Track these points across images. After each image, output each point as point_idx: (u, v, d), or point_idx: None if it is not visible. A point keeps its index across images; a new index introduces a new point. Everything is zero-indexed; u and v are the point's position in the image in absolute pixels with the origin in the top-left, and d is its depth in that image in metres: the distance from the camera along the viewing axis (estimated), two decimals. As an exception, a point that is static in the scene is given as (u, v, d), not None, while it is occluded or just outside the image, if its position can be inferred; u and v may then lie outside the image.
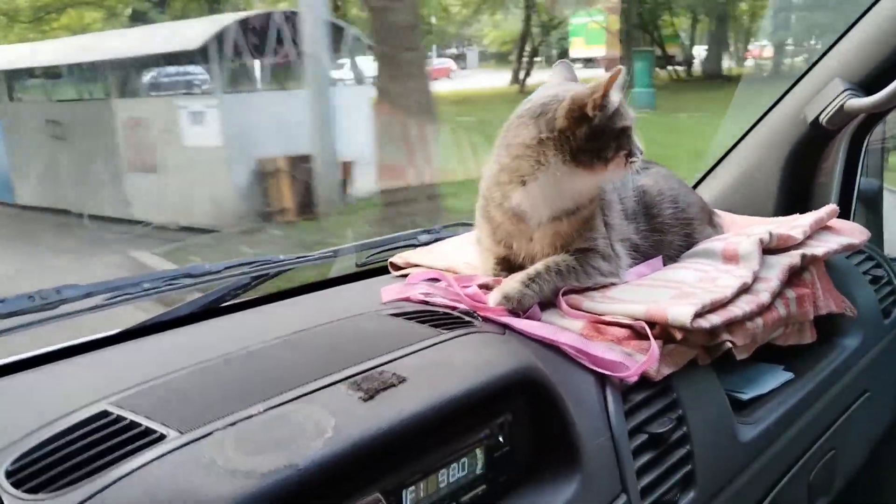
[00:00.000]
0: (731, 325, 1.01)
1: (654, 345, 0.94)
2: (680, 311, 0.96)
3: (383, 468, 0.69)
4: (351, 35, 8.16)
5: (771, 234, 1.18)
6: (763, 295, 1.08)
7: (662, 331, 0.98)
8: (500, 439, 0.81)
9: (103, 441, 0.65)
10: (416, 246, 1.38)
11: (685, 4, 18.96)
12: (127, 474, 0.60)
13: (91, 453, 0.64)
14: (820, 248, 1.24)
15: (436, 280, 1.14)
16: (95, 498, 0.58)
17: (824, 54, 1.66)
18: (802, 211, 1.38)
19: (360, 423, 0.67)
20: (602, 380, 0.93)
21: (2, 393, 0.83)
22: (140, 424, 0.68)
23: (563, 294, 1.04)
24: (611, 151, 1.02)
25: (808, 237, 1.27)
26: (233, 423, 0.66)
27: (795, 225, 1.28)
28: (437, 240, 1.41)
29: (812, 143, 1.66)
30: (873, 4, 1.57)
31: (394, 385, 0.73)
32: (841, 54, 1.62)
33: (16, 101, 9.41)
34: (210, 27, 7.47)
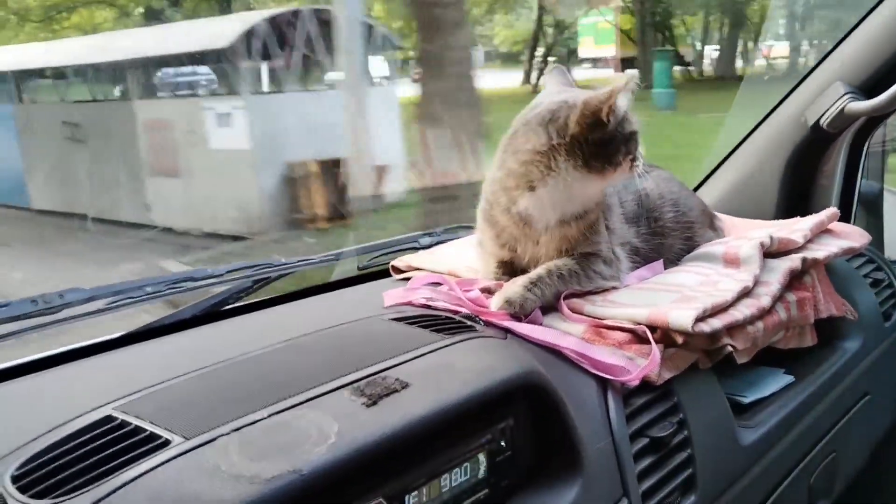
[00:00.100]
0: (732, 328, 1.02)
1: (656, 349, 0.94)
2: (681, 316, 0.96)
3: (386, 473, 0.69)
4: (379, 33, 7.85)
5: (772, 238, 1.19)
6: (764, 299, 1.08)
7: (663, 335, 0.98)
8: (502, 444, 0.81)
9: (108, 446, 0.66)
10: (417, 249, 1.39)
11: (700, 3, 18.82)
12: (131, 480, 0.60)
13: (96, 458, 0.64)
14: (820, 251, 1.24)
15: (438, 284, 1.14)
16: (100, 503, 0.59)
17: (825, 57, 1.66)
18: (803, 214, 1.39)
19: (364, 429, 0.67)
20: (603, 384, 0.93)
21: (7, 397, 0.83)
22: (144, 430, 0.68)
23: (565, 298, 1.04)
24: (620, 156, 1.02)
25: (809, 241, 1.27)
26: (237, 429, 0.67)
27: (796, 228, 1.29)
28: (438, 242, 1.41)
29: (813, 147, 1.66)
30: (874, 8, 1.58)
31: (396, 391, 0.74)
32: (842, 58, 1.62)
33: (31, 103, 9.15)
34: (238, 25, 7.19)
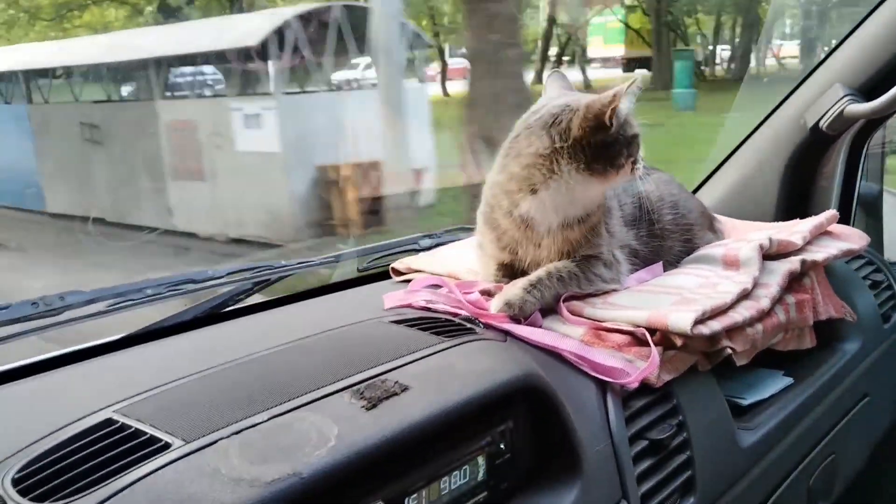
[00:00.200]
0: (732, 330, 1.02)
1: (655, 351, 0.95)
2: (680, 318, 0.96)
3: (386, 476, 0.69)
4: (410, 31, 7.54)
5: (771, 240, 1.19)
6: (763, 301, 1.08)
7: (663, 337, 0.98)
8: (502, 446, 0.81)
9: (109, 449, 0.66)
10: (417, 251, 1.39)
11: (715, 2, 18.64)
12: (132, 483, 0.61)
13: (97, 462, 0.65)
14: (820, 253, 1.24)
15: (437, 286, 1.14)
16: None
17: (824, 60, 1.66)
18: (802, 216, 1.39)
19: (363, 432, 0.67)
20: (603, 386, 0.94)
21: (8, 400, 0.84)
22: (145, 433, 0.68)
23: (565, 300, 1.05)
24: (622, 158, 1.03)
25: (808, 242, 1.27)
26: (237, 432, 0.67)
27: (795, 230, 1.29)
28: (438, 244, 1.42)
29: (812, 149, 1.66)
30: (874, 10, 1.58)
31: (396, 394, 0.74)
32: (841, 60, 1.63)
33: (47, 103, 8.79)
34: (269, 22, 6.87)
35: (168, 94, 8.01)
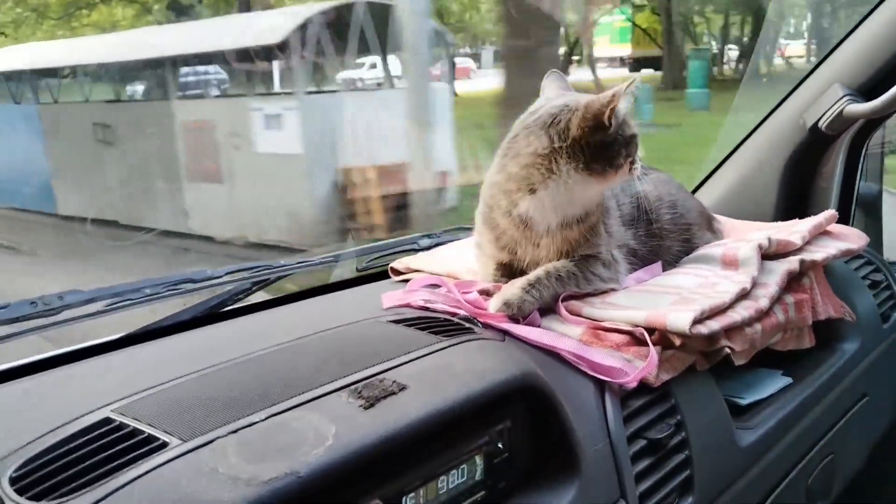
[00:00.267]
0: (730, 330, 1.02)
1: (653, 351, 0.94)
2: (679, 318, 0.96)
3: (383, 475, 0.69)
4: (433, 29, 7.23)
5: (770, 240, 1.19)
6: (762, 301, 1.08)
7: (661, 337, 0.98)
8: (500, 445, 0.81)
9: (106, 448, 0.66)
10: (416, 251, 1.39)
11: (725, 1, 18.54)
12: (130, 482, 0.61)
13: (94, 461, 0.65)
14: (819, 253, 1.24)
15: (436, 286, 1.14)
16: None
17: (823, 60, 1.66)
18: (802, 216, 1.39)
19: (361, 431, 0.67)
20: (601, 386, 0.94)
21: (6, 398, 0.84)
22: (143, 432, 0.68)
23: (563, 300, 1.05)
24: (621, 158, 1.03)
25: (808, 242, 1.27)
26: (234, 431, 0.67)
27: (794, 230, 1.29)
28: (437, 244, 1.42)
29: (811, 149, 1.66)
30: (873, 10, 1.58)
31: (394, 393, 0.74)
32: (840, 60, 1.63)
33: (57, 103, 8.58)
34: (291, 19, 6.62)
35: (184, 93, 7.82)
